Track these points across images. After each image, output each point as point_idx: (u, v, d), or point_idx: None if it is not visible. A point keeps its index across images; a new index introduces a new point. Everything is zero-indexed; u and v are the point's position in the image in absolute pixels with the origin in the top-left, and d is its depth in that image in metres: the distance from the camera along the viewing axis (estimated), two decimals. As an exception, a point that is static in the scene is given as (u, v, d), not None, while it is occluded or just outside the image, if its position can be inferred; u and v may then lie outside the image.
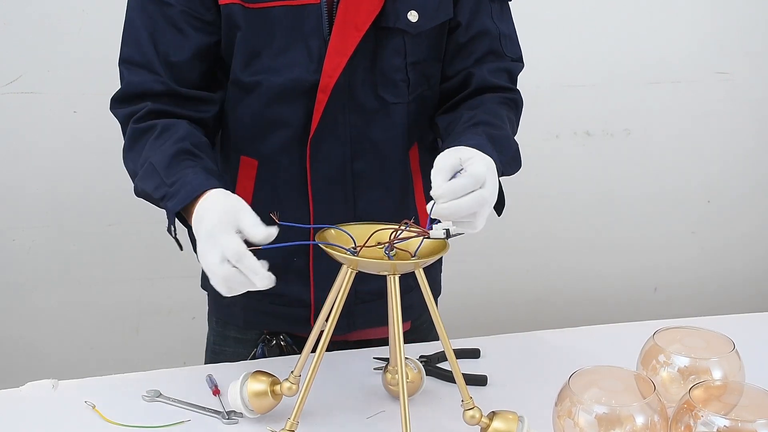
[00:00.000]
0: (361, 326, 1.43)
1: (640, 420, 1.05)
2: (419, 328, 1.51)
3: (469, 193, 1.08)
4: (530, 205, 2.51)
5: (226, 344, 1.51)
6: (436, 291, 1.54)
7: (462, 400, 1.14)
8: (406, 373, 1.26)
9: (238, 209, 1.11)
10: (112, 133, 1.39)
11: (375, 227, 1.14)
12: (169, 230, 1.21)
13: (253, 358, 1.47)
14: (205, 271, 1.11)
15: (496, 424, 1.13)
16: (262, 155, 1.35)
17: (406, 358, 1.27)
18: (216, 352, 1.52)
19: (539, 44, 2.34)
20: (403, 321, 1.18)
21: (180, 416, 1.25)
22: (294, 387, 1.19)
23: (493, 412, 1.15)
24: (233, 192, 1.17)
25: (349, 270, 1.11)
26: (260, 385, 1.20)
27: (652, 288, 2.70)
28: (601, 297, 2.65)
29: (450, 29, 1.37)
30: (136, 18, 1.29)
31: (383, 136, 1.36)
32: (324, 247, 1.10)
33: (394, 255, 1.13)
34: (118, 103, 1.32)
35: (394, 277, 1.10)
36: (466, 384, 1.15)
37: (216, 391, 1.30)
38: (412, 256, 1.12)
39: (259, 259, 1.39)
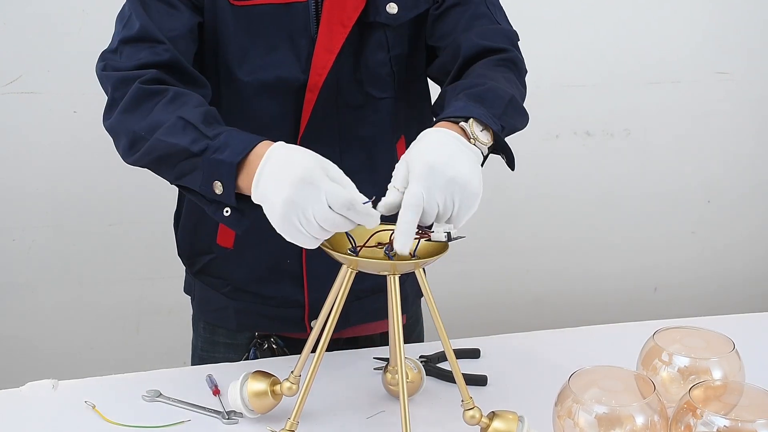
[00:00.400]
0: (354, 323, 1.43)
1: (640, 420, 1.05)
2: (408, 320, 1.51)
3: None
4: (530, 205, 2.51)
5: (215, 350, 1.49)
6: (420, 289, 1.54)
7: (462, 400, 1.14)
8: (406, 373, 1.26)
9: (323, 159, 1.07)
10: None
11: (375, 227, 1.14)
12: (208, 188, 1.11)
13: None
14: (296, 219, 1.03)
15: (496, 424, 1.13)
16: None
17: (406, 358, 1.27)
18: (204, 359, 1.49)
19: (539, 44, 2.35)
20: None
21: (180, 416, 1.25)
22: (294, 387, 1.19)
23: (493, 412, 1.15)
24: None
25: (349, 270, 1.11)
26: (260, 384, 1.20)
27: (652, 288, 2.70)
28: (601, 297, 2.65)
29: (427, 11, 1.33)
30: (132, 2, 1.25)
31: (371, 131, 1.35)
32: (324, 248, 1.10)
33: (394, 255, 1.13)
34: (111, 67, 1.24)
35: (394, 277, 1.10)
36: (466, 384, 1.15)
37: (216, 391, 1.30)
38: (412, 256, 1.12)
39: (248, 262, 1.40)
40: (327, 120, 1.31)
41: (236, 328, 1.46)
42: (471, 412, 1.14)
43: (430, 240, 1.10)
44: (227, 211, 1.13)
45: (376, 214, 1.06)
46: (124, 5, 1.28)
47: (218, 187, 1.11)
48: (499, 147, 1.17)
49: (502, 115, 1.17)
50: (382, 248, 1.13)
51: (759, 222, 2.70)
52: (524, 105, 1.28)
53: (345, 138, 1.33)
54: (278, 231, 1.06)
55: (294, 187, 1.03)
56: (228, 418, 1.24)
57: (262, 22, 1.27)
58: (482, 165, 1.13)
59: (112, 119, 1.21)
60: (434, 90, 1.38)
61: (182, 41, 1.24)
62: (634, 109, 2.52)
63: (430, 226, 1.09)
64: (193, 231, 1.43)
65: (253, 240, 1.37)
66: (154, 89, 1.19)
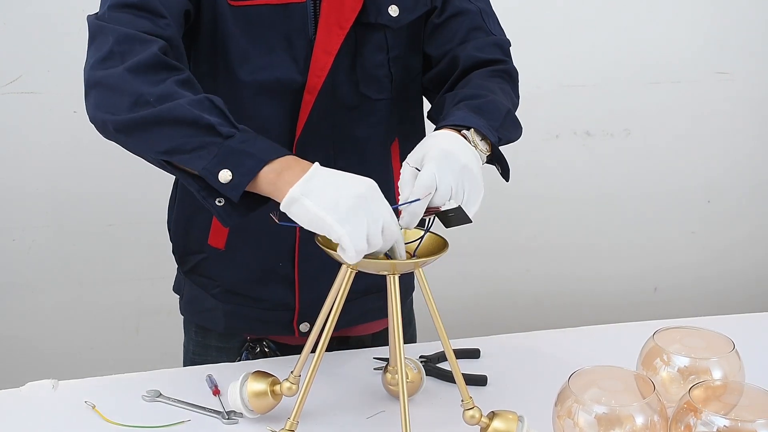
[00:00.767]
0: (343, 325, 1.42)
1: (640, 420, 1.05)
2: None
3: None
4: (530, 205, 2.51)
5: (207, 353, 1.48)
6: (411, 287, 1.55)
7: (462, 400, 1.14)
8: (406, 373, 1.26)
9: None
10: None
11: None
12: (211, 173, 1.07)
13: None
14: (363, 214, 1.02)
15: (496, 424, 1.13)
16: None
17: (406, 358, 1.27)
18: (196, 363, 1.48)
19: (539, 44, 2.35)
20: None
21: (180, 416, 1.25)
22: (294, 387, 1.19)
23: (492, 412, 1.15)
24: None
25: (349, 270, 1.11)
26: (260, 385, 1.20)
27: (652, 288, 2.70)
28: (601, 297, 2.65)
29: (426, 14, 1.35)
30: None
31: (366, 132, 1.35)
32: (324, 248, 1.10)
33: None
34: (116, 9, 1.16)
35: (394, 277, 1.10)
36: (466, 384, 1.15)
37: (216, 391, 1.30)
38: (412, 256, 1.12)
39: (239, 264, 1.39)
40: (323, 121, 1.31)
41: (224, 330, 1.45)
42: (471, 412, 1.14)
43: (440, 213, 1.11)
44: (220, 201, 1.10)
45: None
46: None
47: (225, 176, 1.07)
48: (495, 158, 1.21)
49: (500, 128, 1.22)
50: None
51: (759, 222, 2.70)
52: (524, 105, 1.35)
53: (340, 139, 1.33)
54: (334, 224, 1.01)
55: (367, 187, 1.05)
56: (228, 418, 1.24)
57: (260, 22, 1.27)
58: None
59: (111, 74, 1.12)
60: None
61: (176, 22, 1.21)
62: (634, 109, 2.52)
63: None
64: (185, 229, 1.42)
65: (244, 242, 1.36)
66: (171, 62, 1.14)
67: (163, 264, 2.25)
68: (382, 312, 1.17)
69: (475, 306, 2.56)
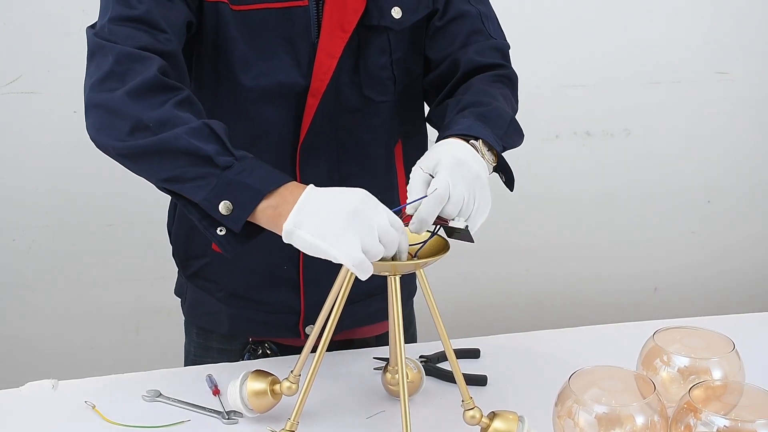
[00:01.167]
0: (348, 326, 1.42)
1: (640, 420, 1.05)
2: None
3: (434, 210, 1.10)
4: (530, 205, 2.51)
5: (208, 355, 1.48)
6: (413, 290, 1.55)
7: (462, 400, 1.14)
8: (406, 373, 1.26)
9: None
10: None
11: None
12: (211, 204, 1.08)
13: None
14: (365, 234, 1.03)
15: (497, 424, 1.13)
16: None
17: (406, 358, 1.27)
18: (196, 365, 1.47)
19: (539, 44, 2.35)
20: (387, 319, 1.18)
21: (180, 416, 1.25)
22: (294, 386, 1.19)
23: (493, 412, 1.15)
24: None
25: (349, 272, 1.11)
26: (260, 384, 1.20)
27: (653, 288, 2.70)
28: (601, 297, 2.65)
29: (428, 16, 1.36)
30: None
31: (369, 135, 1.35)
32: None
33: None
34: (110, 41, 1.16)
35: (394, 278, 1.10)
36: (466, 384, 1.15)
37: (216, 391, 1.30)
38: (413, 257, 1.12)
39: (244, 268, 1.39)
40: (326, 124, 1.31)
41: (228, 333, 1.45)
42: (471, 413, 1.14)
43: (447, 226, 1.12)
44: (221, 230, 1.11)
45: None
46: None
47: (225, 207, 1.09)
48: (499, 167, 1.22)
49: (504, 135, 1.22)
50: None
51: (759, 222, 2.70)
52: (524, 105, 1.36)
53: (343, 142, 1.33)
54: (328, 244, 1.03)
55: (359, 199, 1.05)
56: (228, 418, 1.24)
57: (262, 26, 1.26)
58: None
59: (111, 97, 1.13)
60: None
61: (178, 35, 1.21)
62: (634, 109, 2.52)
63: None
64: (187, 234, 1.41)
65: (249, 246, 1.36)
66: (170, 83, 1.14)
67: (163, 264, 2.26)
68: (386, 314, 1.17)
69: (475, 306, 2.56)
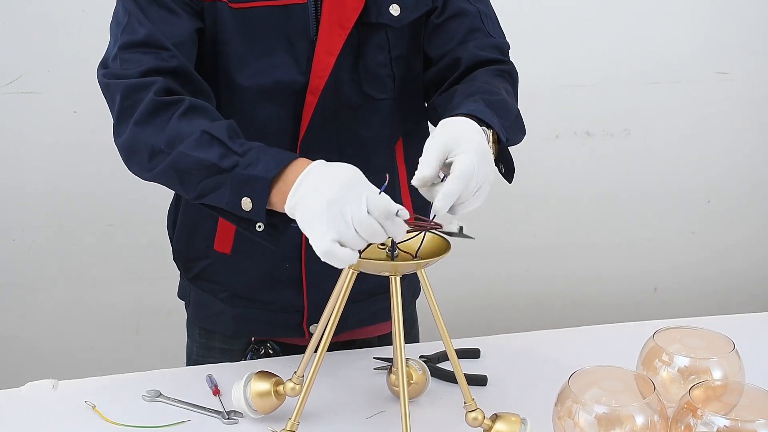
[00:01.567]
0: (352, 326, 1.43)
1: (640, 420, 1.05)
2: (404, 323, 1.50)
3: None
4: (530, 205, 2.51)
5: (210, 355, 1.48)
6: (417, 290, 1.55)
7: (464, 402, 1.14)
8: (411, 375, 1.26)
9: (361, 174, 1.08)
10: (112, 134, 1.38)
11: None
12: (236, 205, 1.10)
13: None
14: (337, 223, 1.02)
15: (499, 426, 1.13)
16: None
17: (411, 359, 1.27)
18: (199, 364, 1.47)
19: (540, 44, 2.35)
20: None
21: (180, 416, 1.25)
22: (297, 387, 1.19)
23: (495, 414, 1.15)
24: None
25: (351, 271, 1.11)
26: (263, 385, 1.20)
27: (653, 288, 2.70)
28: (601, 297, 2.65)
29: (427, 13, 1.35)
30: (128, 6, 1.23)
31: (370, 132, 1.35)
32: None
33: (397, 255, 1.13)
34: (115, 75, 1.21)
35: (395, 278, 1.10)
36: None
37: (216, 391, 1.30)
38: (414, 257, 1.12)
39: (247, 268, 1.39)
40: (326, 122, 1.31)
41: (233, 334, 1.45)
42: (473, 414, 1.13)
43: (441, 230, 1.10)
44: (260, 227, 1.12)
45: (405, 228, 1.06)
46: (116, 11, 1.26)
47: (247, 204, 1.10)
48: (501, 158, 1.20)
49: (509, 128, 1.21)
50: (384, 248, 1.13)
51: (759, 222, 2.70)
52: (524, 105, 1.33)
53: (344, 139, 1.33)
54: (310, 234, 1.04)
55: (339, 188, 1.04)
56: (228, 418, 1.24)
57: (261, 24, 1.26)
58: None
59: (127, 133, 1.18)
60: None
61: (185, 48, 1.23)
62: (634, 109, 2.52)
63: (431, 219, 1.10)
64: (189, 236, 1.42)
65: (251, 246, 1.36)
66: (169, 100, 1.17)
67: (163, 264, 2.26)
68: (390, 313, 1.17)
69: (475, 306, 2.56)
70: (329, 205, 1.03)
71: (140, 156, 1.17)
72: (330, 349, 1.27)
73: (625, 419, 1.05)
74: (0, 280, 2.27)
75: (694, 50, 2.51)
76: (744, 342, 1.21)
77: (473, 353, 1.43)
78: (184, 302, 1.51)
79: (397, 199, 1.38)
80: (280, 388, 1.20)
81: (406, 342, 1.50)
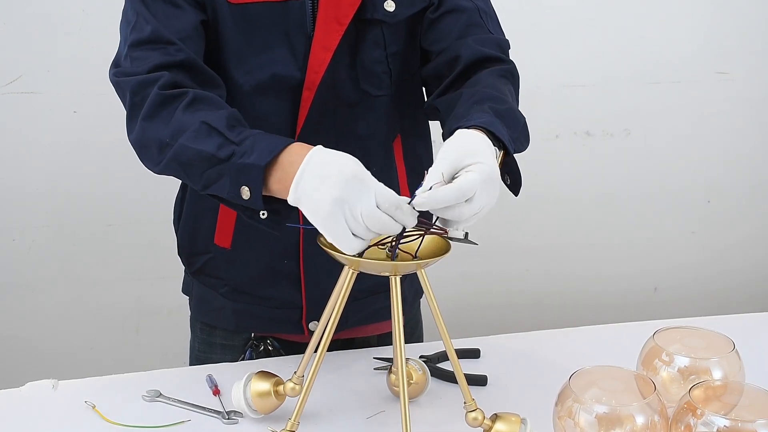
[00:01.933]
0: (353, 324, 1.43)
1: (640, 420, 1.05)
2: (407, 323, 1.50)
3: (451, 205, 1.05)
4: (530, 205, 2.50)
5: (212, 351, 1.48)
6: (420, 290, 1.54)
7: (464, 402, 1.14)
8: (411, 375, 1.26)
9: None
10: (112, 134, 1.39)
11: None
12: (236, 194, 1.11)
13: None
14: (343, 218, 1.03)
15: (499, 426, 1.13)
16: None
17: (412, 359, 1.27)
18: (201, 360, 1.49)
19: (540, 44, 2.35)
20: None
21: (180, 416, 1.25)
22: (297, 387, 1.19)
23: (495, 414, 1.15)
24: None
25: (351, 271, 1.11)
26: (264, 385, 1.20)
27: (653, 288, 2.70)
28: (601, 297, 2.65)
29: (424, 10, 1.34)
30: (136, 6, 1.25)
31: (367, 129, 1.35)
32: (325, 249, 1.10)
33: (397, 256, 1.13)
34: (125, 73, 1.23)
35: (395, 278, 1.10)
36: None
37: (216, 391, 1.30)
38: (414, 257, 1.12)
39: (246, 263, 1.39)
40: (323, 118, 1.31)
41: (235, 329, 1.46)
42: (473, 414, 1.13)
43: (446, 236, 1.10)
44: (263, 214, 1.13)
45: (415, 215, 1.06)
46: (125, 10, 1.28)
47: (246, 193, 1.11)
48: (507, 169, 1.19)
49: (516, 139, 1.20)
50: (384, 248, 1.13)
51: (759, 222, 2.70)
52: (525, 105, 1.32)
53: (341, 136, 1.33)
54: (321, 230, 1.05)
55: (345, 183, 1.03)
56: (228, 418, 1.24)
57: (259, 20, 1.27)
58: None
59: (137, 129, 1.20)
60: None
61: (191, 41, 1.24)
62: (634, 109, 2.52)
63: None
64: (192, 230, 1.43)
65: (250, 241, 1.37)
66: (173, 93, 1.18)
67: (163, 264, 2.26)
68: (390, 312, 1.17)
69: (475, 306, 2.56)
70: (337, 203, 1.03)
71: (150, 150, 1.19)
72: (330, 347, 1.28)
73: (626, 419, 1.05)
74: (0, 280, 2.27)
75: (694, 50, 2.51)
76: (744, 342, 1.21)
77: (473, 353, 1.43)
78: (188, 298, 1.52)
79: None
80: (280, 388, 1.20)
81: (411, 342, 1.50)
